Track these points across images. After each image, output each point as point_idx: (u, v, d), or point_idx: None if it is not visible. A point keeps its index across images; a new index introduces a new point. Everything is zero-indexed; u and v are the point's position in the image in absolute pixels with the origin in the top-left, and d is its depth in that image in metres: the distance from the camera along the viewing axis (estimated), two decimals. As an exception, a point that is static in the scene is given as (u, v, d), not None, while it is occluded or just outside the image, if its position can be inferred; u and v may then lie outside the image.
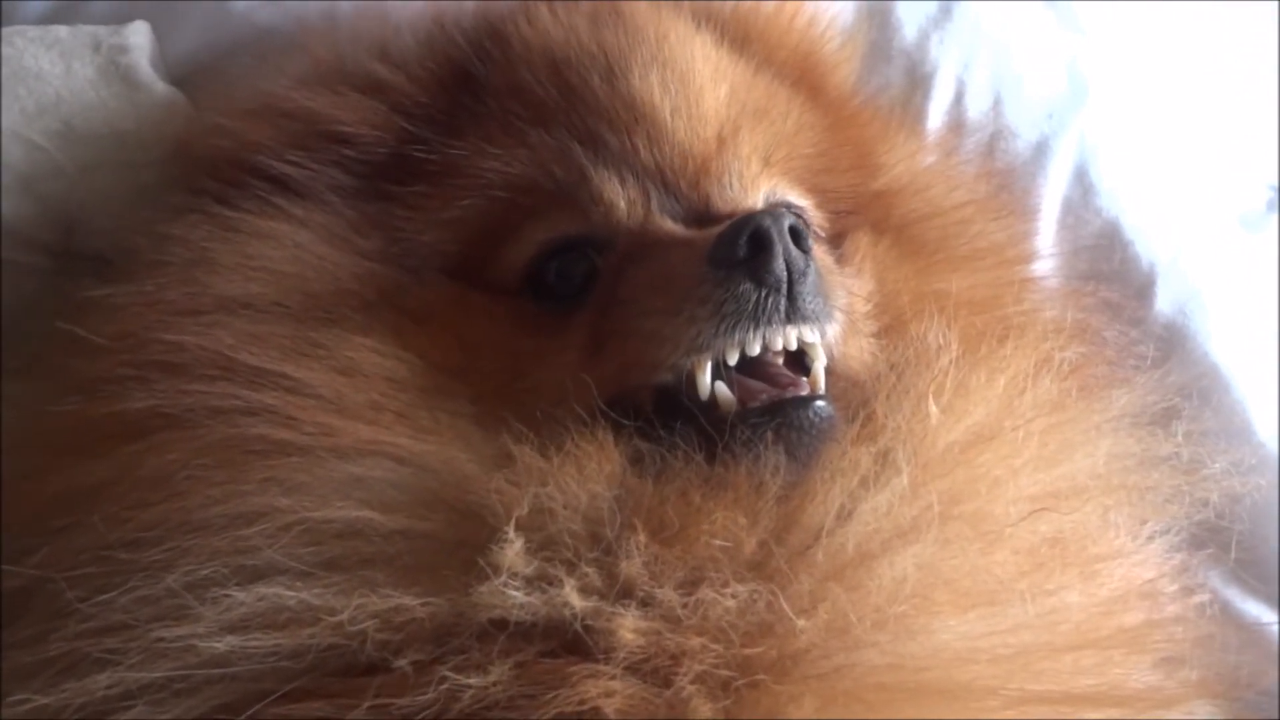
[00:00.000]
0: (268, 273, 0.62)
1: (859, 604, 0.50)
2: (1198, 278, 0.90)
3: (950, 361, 0.60)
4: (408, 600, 0.50)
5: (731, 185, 0.64)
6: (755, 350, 0.57)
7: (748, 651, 0.49)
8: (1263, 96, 1.34)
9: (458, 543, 0.52)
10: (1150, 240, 0.90)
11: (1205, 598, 0.72)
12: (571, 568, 0.51)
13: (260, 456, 0.55)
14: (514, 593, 0.50)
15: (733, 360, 0.56)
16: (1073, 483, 0.61)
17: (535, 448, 0.54)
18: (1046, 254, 0.89)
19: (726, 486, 0.52)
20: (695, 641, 0.49)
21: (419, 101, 0.68)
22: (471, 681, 0.48)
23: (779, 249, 0.56)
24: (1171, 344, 0.87)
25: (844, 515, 0.52)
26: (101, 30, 0.73)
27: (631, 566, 0.51)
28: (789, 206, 0.66)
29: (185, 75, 0.77)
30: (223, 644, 0.50)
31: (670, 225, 0.61)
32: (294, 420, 0.55)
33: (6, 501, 0.59)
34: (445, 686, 0.48)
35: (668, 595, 0.50)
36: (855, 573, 0.51)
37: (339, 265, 0.63)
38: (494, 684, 0.48)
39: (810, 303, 0.58)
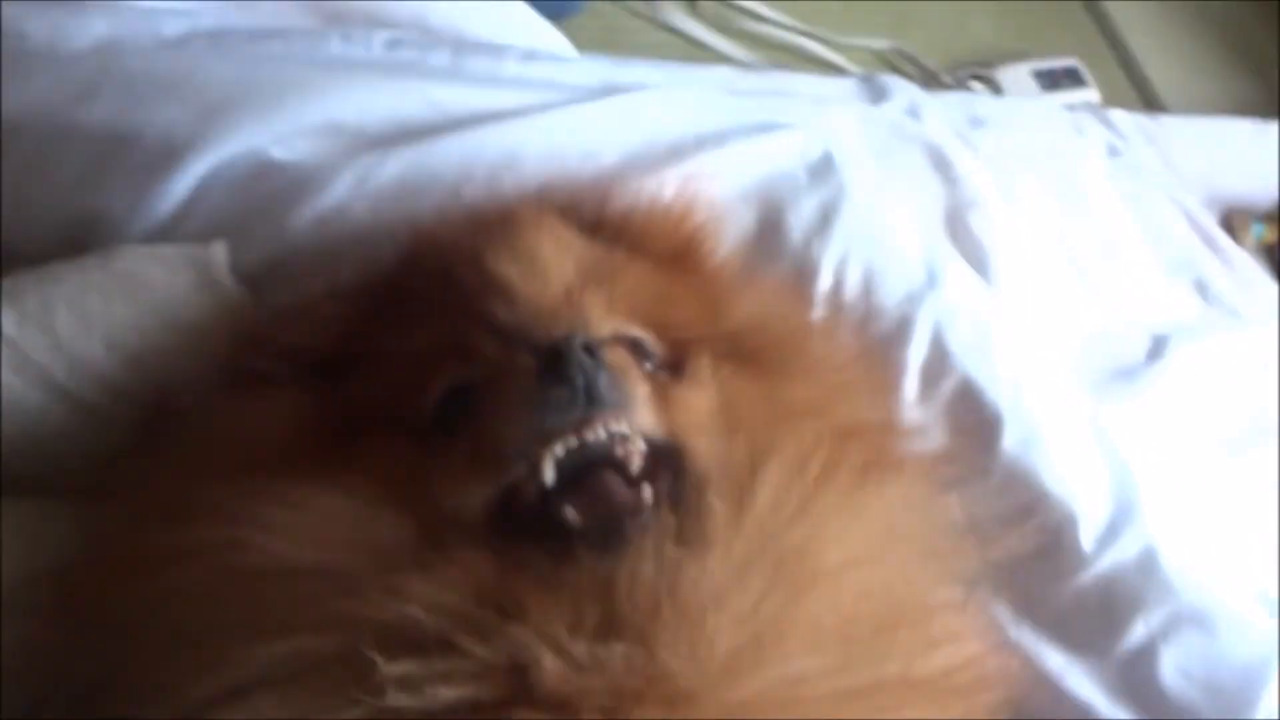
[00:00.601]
0: (245, 440, 0.82)
1: (710, 646, 0.65)
2: (1038, 420, 1.10)
3: (754, 459, 0.77)
4: (346, 710, 0.62)
5: (579, 328, 0.80)
6: (573, 443, 0.72)
7: (634, 695, 0.63)
8: (1143, 251, 1.58)
9: (357, 658, 0.64)
10: (1000, 389, 1.10)
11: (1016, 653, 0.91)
12: (440, 664, 0.63)
13: (239, 580, 0.71)
14: (402, 699, 0.62)
15: (560, 452, 0.73)
16: (877, 544, 0.77)
17: (415, 561, 0.68)
18: (910, 407, 1.10)
19: (570, 578, 0.68)
20: (595, 688, 0.63)
21: (350, 316, 0.90)
22: None
23: (573, 358, 0.72)
24: (1014, 473, 1.07)
25: (672, 579, 0.68)
26: (194, 249, 0.99)
27: (505, 643, 0.64)
28: (629, 337, 0.84)
29: (251, 280, 1.01)
30: None
31: (524, 359, 0.78)
32: (257, 548, 0.71)
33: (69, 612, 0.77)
34: None
35: (576, 648, 0.64)
36: (698, 622, 0.66)
37: (297, 433, 0.82)
38: None
39: (607, 393, 0.73)
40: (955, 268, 1.19)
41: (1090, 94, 2.46)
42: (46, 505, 0.90)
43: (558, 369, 0.74)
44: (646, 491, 0.75)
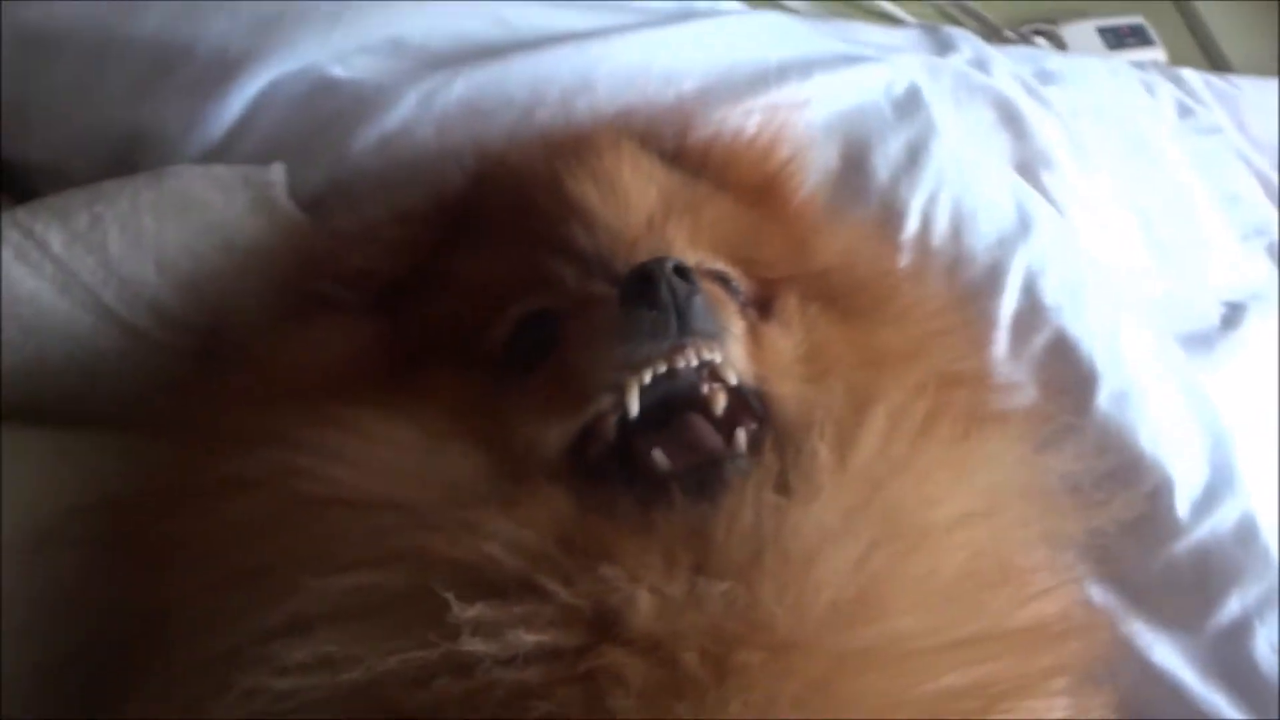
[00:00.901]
0: (311, 366, 0.78)
1: (815, 595, 0.61)
2: (1133, 378, 1.04)
3: (864, 402, 0.72)
4: (414, 651, 0.58)
5: (659, 250, 0.77)
6: (663, 368, 0.67)
7: (735, 637, 0.59)
8: (1222, 217, 1.51)
9: (429, 598, 0.60)
10: (1093, 343, 1.04)
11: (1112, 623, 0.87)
12: (519, 607, 0.59)
13: (305, 510, 0.67)
14: (477, 644, 0.58)
15: (648, 379, 0.67)
16: (986, 500, 0.72)
17: (491, 498, 0.65)
18: (1003, 356, 1.04)
19: (660, 523, 0.63)
20: (694, 628, 0.59)
21: (418, 241, 0.85)
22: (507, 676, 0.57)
23: (662, 279, 0.67)
24: (1107, 433, 1.01)
25: (774, 526, 0.63)
26: (251, 170, 0.93)
27: (591, 585, 0.60)
28: (715, 272, 0.80)
29: (310, 205, 0.96)
30: (288, 684, 0.58)
31: (604, 288, 0.74)
32: (323, 477, 0.68)
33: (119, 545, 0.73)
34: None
35: (672, 586, 0.60)
36: (804, 571, 0.62)
37: (362, 361, 0.78)
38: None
39: (700, 321, 0.68)
40: (1047, 213, 1.12)
41: (1157, 53, 2.36)
42: (96, 435, 0.86)
43: (647, 292, 0.68)
44: (741, 436, 0.70)
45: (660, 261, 0.69)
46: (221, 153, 0.99)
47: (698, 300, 0.69)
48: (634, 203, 0.80)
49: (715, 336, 0.69)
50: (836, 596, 0.62)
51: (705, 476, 0.66)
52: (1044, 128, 1.30)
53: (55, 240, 0.85)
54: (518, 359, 0.76)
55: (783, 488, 0.67)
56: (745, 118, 0.97)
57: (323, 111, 0.99)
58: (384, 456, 0.69)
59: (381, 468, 0.69)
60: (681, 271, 0.69)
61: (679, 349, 0.68)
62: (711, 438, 0.69)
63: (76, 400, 0.87)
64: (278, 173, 0.94)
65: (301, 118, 0.99)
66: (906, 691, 0.61)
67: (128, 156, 0.99)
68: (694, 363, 0.68)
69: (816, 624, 0.60)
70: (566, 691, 0.58)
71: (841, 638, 0.61)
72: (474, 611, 0.59)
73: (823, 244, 0.92)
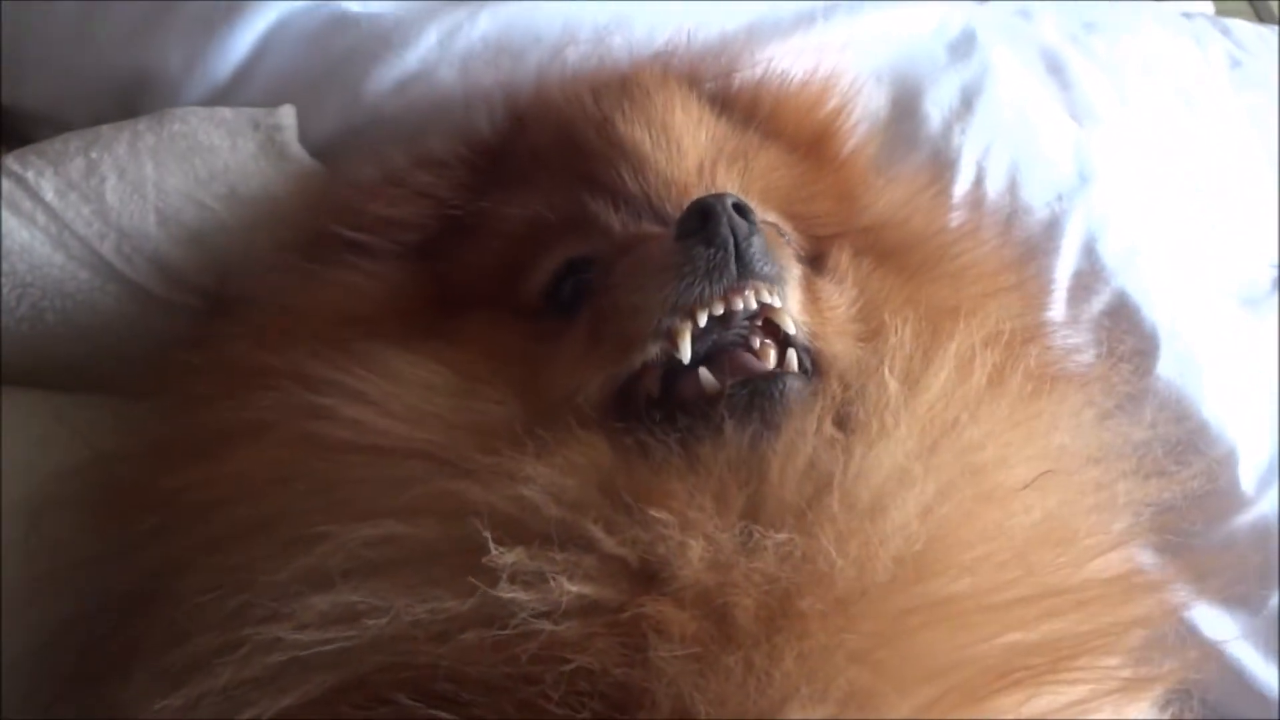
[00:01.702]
0: (334, 309, 0.73)
1: (880, 546, 0.56)
2: (1196, 342, 0.97)
3: (929, 344, 0.66)
4: (445, 601, 0.54)
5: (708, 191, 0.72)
6: (719, 310, 0.62)
7: (790, 590, 0.54)
8: (1266, 177, 1.43)
9: (463, 546, 0.56)
10: (1154, 306, 0.97)
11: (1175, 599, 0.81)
12: (560, 555, 0.55)
13: (323, 454, 0.62)
14: (516, 592, 0.53)
15: (703, 321, 0.62)
16: (1058, 459, 0.66)
17: (527, 444, 0.59)
18: (1061, 318, 0.96)
19: (710, 460, 0.58)
20: (747, 580, 0.54)
21: (446, 186, 0.79)
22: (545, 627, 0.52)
23: (723, 215, 0.62)
24: (1169, 399, 0.94)
25: (840, 465, 0.58)
26: (259, 112, 0.85)
27: (638, 533, 0.55)
28: (768, 223, 0.73)
29: (322, 152, 0.88)
30: (306, 637, 0.54)
31: (649, 228, 0.69)
32: (345, 419, 0.62)
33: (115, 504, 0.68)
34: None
35: (724, 535, 0.55)
36: (871, 519, 0.56)
37: (390, 307, 0.73)
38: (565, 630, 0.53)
39: (760, 263, 0.63)
40: (1109, 168, 1.03)
41: (1205, 5, 2.26)
42: (97, 400, 0.80)
43: (705, 227, 0.63)
44: (792, 357, 0.64)
45: (720, 197, 0.64)
46: (227, 95, 0.90)
47: (757, 240, 0.63)
48: (685, 147, 0.75)
49: (774, 280, 0.64)
50: (902, 550, 0.56)
51: (757, 392, 0.60)
52: (1089, 79, 1.22)
53: (48, 188, 0.77)
54: (558, 305, 0.71)
55: (844, 423, 0.61)
56: (792, 58, 0.89)
57: (336, 50, 0.90)
58: (411, 400, 0.64)
59: (409, 411, 0.63)
60: (741, 209, 0.63)
61: (736, 290, 0.63)
62: (759, 364, 0.64)
63: (75, 362, 0.80)
64: (288, 115, 0.85)
65: (313, 57, 0.90)
66: (969, 648, 0.56)
67: (130, 102, 0.91)
68: (752, 305, 0.64)
69: (880, 578, 0.56)
70: (605, 644, 0.53)
71: (905, 593, 0.56)
72: (513, 557, 0.54)
73: (875, 197, 0.85)
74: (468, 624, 0.53)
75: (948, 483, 0.59)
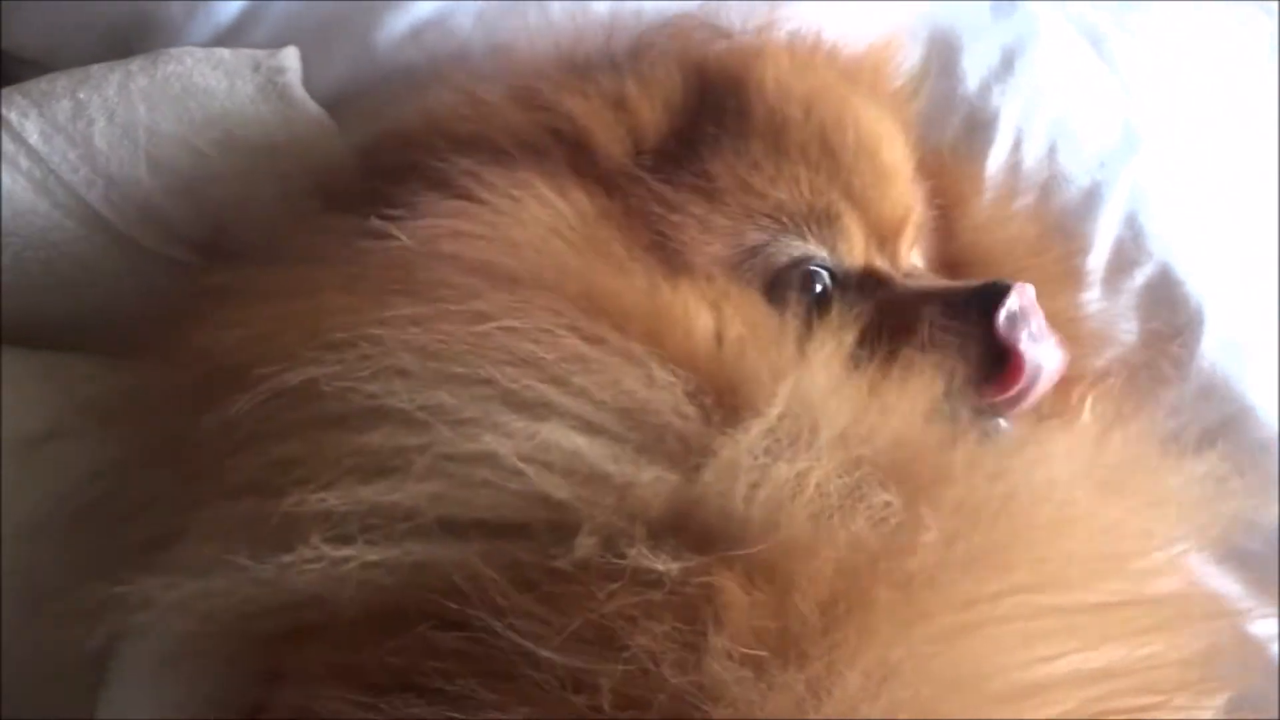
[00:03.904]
0: (546, 231, 0.64)
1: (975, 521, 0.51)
2: (1242, 322, 0.88)
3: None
4: (656, 475, 0.49)
5: (903, 249, 0.73)
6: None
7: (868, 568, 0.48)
8: None
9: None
10: (1200, 283, 0.88)
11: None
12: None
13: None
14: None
15: None
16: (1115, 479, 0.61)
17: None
18: (1102, 291, 0.89)
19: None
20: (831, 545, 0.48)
21: (660, 124, 0.71)
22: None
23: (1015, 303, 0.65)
24: (1214, 382, 0.86)
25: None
26: (260, 53, 0.76)
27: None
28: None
29: (330, 102, 0.79)
30: (517, 465, 0.49)
31: (907, 277, 0.71)
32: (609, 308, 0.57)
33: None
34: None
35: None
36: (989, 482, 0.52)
37: (615, 243, 0.65)
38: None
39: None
40: (1158, 133, 0.93)
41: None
42: (88, 359, 0.73)
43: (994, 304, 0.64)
44: None
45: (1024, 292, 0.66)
46: (231, 39, 0.81)
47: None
48: (902, 168, 0.74)
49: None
50: (987, 539, 0.51)
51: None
52: (1130, 53, 1.14)
53: (32, 130, 0.69)
54: (790, 302, 0.66)
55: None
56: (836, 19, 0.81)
57: None
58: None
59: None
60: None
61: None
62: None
63: (62, 319, 0.72)
64: (291, 58, 0.76)
65: (319, 4, 0.82)
66: (1045, 665, 0.49)
67: (126, 47, 0.81)
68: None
69: (959, 557, 0.49)
70: (662, 628, 0.46)
71: (978, 580, 0.49)
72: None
73: (962, 219, 0.83)
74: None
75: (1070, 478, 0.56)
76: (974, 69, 0.91)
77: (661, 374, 0.53)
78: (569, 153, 0.68)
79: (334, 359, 0.52)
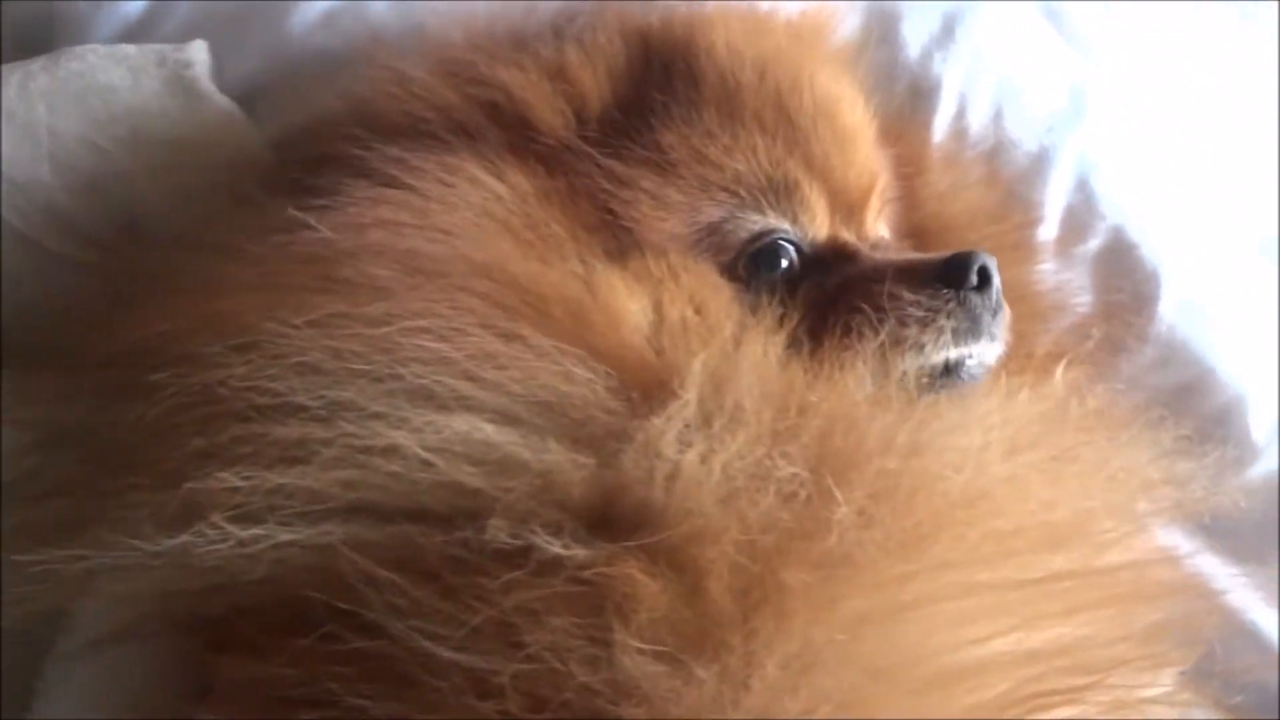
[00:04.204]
0: (480, 214, 0.61)
1: (892, 495, 0.49)
2: (1202, 283, 0.86)
3: None
4: (572, 460, 0.48)
5: (869, 219, 0.71)
6: (969, 356, 0.64)
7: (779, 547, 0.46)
8: None
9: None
10: (1155, 245, 0.86)
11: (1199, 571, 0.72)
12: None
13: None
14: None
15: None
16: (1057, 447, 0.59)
17: None
18: (1055, 257, 0.86)
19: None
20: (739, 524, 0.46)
21: (604, 93, 0.68)
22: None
23: (997, 282, 0.64)
24: (1173, 345, 0.84)
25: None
26: (166, 48, 0.74)
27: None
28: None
29: (243, 96, 0.77)
30: (421, 455, 0.48)
31: (874, 249, 0.68)
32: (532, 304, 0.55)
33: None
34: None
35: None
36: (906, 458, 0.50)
37: (555, 224, 0.63)
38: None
39: (997, 327, 0.66)
40: (1107, 96, 0.91)
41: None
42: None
43: (983, 289, 0.66)
44: None
45: (991, 258, 0.65)
46: (141, 33, 0.79)
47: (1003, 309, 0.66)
48: (864, 132, 0.73)
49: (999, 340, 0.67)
50: (906, 514, 0.49)
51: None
52: (1088, 18, 1.11)
53: None
54: (754, 281, 0.66)
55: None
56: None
57: None
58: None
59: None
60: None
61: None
62: None
63: None
64: (198, 51, 0.73)
65: None
66: (976, 647, 0.47)
67: (33, 48, 0.78)
68: (989, 361, 0.67)
69: (878, 536, 0.47)
70: (563, 622, 0.45)
71: (902, 559, 0.47)
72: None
73: (924, 190, 0.82)
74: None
75: (997, 449, 0.54)
76: (914, 36, 0.88)
77: (580, 370, 0.51)
78: (506, 130, 0.65)
79: (241, 361, 0.51)
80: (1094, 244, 0.87)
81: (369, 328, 0.51)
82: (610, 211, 0.64)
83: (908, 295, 0.64)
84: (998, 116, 0.87)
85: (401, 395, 0.50)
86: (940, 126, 0.86)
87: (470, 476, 0.48)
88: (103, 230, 0.69)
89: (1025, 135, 0.88)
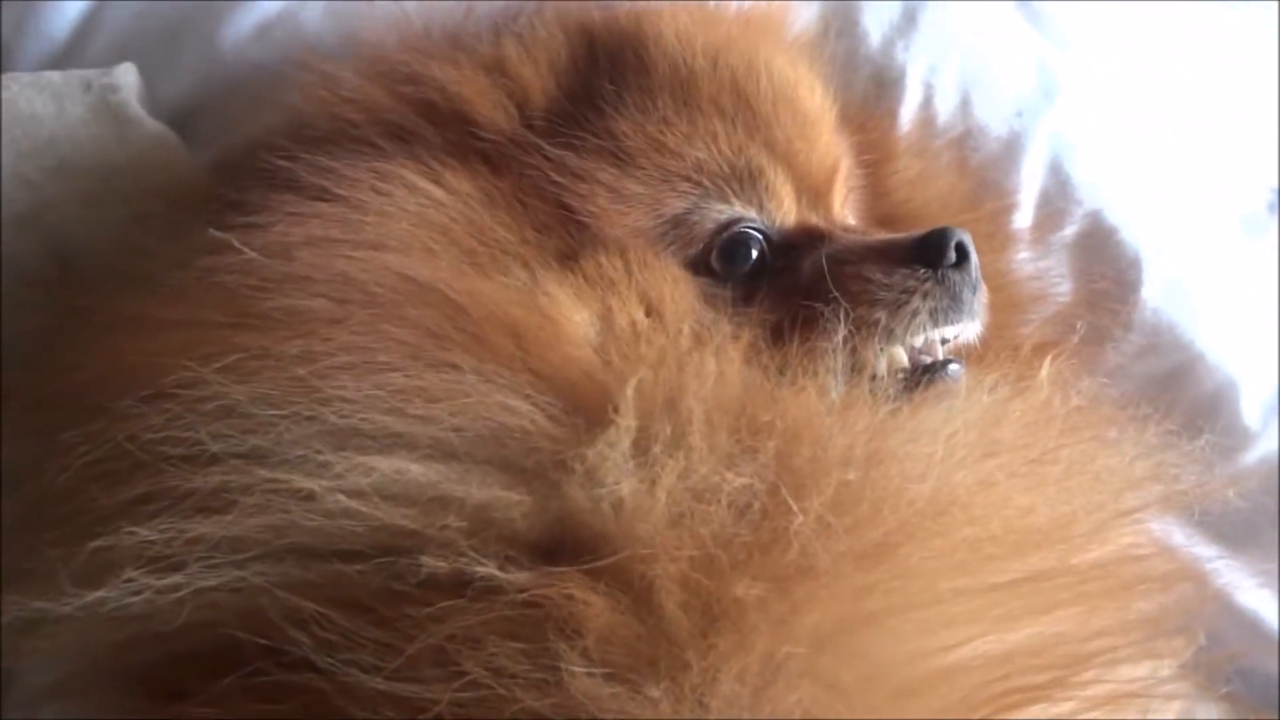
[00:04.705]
0: (418, 222, 0.58)
1: (852, 505, 0.47)
2: (1185, 265, 0.84)
3: None
4: (508, 496, 0.46)
5: (835, 204, 0.69)
6: (952, 337, 0.63)
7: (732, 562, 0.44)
8: (1261, 98, 1.29)
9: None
10: (1135, 229, 0.83)
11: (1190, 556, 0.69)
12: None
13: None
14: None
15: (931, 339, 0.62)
16: (1036, 448, 0.57)
17: None
18: (1031, 245, 0.83)
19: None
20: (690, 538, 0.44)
21: (547, 85, 0.65)
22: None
23: (974, 258, 0.62)
24: (1159, 331, 0.82)
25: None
26: (92, 72, 0.70)
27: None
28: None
29: (179, 117, 0.74)
30: (343, 503, 0.46)
31: (845, 231, 0.66)
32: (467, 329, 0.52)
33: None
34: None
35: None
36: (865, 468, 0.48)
37: (501, 228, 0.60)
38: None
39: (977, 304, 0.64)
40: (1077, 79, 0.87)
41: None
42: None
43: (961, 266, 0.64)
44: None
45: (967, 234, 0.63)
46: (69, 58, 0.75)
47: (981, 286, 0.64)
48: (825, 116, 0.71)
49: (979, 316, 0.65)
50: (873, 513, 0.48)
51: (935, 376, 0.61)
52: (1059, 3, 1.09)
53: None
54: (725, 273, 0.64)
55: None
56: None
57: None
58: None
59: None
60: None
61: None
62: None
63: None
64: (125, 74, 0.70)
65: (159, 6, 0.75)
66: (948, 653, 0.45)
67: None
68: (970, 338, 0.66)
69: (839, 547, 0.46)
70: (501, 649, 0.43)
71: (864, 570, 0.46)
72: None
73: (892, 179, 0.80)
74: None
75: (964, 454, 0.52)
76: (875, 25, 0.85)
77: (516, 401, 0.49)
78: (443, 129, 0.62)
79: (156, 411, 0.49)
80: (1071, 230, 0.85)
81: (290, 367, 0.48)
82: (564, 207, 0.62)
83: (878, 278, 0.62)
84: (965, 103, 0.85)
85: (325, 438, 0.47)
86: (907, 115, 0.83)
87: (403, 518, 0.45)
88: (42, 267, 0.66)
89: (994, 120, 0.85)
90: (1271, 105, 1.22)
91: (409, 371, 0.49)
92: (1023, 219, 0.84)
